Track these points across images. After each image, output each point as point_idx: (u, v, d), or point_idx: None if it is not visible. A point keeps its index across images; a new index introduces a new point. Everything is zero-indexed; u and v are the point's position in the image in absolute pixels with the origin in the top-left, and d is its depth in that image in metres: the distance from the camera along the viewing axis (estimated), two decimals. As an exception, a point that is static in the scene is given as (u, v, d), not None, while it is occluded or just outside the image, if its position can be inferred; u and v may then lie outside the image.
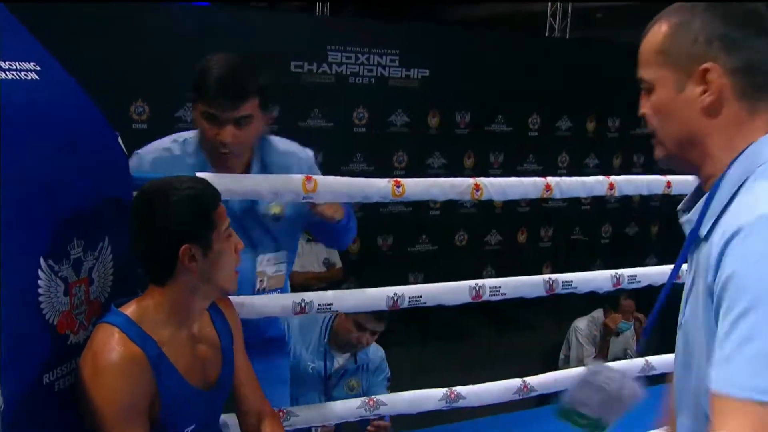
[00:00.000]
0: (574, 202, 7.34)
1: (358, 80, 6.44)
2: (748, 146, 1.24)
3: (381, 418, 2.99)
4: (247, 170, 2.26)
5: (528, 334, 6.56)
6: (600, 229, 7.80)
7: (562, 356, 5.17)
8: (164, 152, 2.25)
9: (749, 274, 1.12)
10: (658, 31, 1.31)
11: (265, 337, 2.47)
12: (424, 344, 6.08)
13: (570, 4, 10.09)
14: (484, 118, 7.04)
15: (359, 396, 2.95)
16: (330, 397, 3.09)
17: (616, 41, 8.88)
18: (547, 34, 9.92)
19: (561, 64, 7.21)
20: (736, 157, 1.24)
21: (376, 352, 3.23)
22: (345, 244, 2.63)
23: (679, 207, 1.37)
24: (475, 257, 7.19)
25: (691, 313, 1.29)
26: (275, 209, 2.32)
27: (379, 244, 6.82)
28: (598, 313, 5.09)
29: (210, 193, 1.67)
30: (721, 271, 1.15)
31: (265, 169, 2.28)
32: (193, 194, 1.62)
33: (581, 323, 5.12)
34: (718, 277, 1.16)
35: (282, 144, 2.37)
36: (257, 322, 2.30)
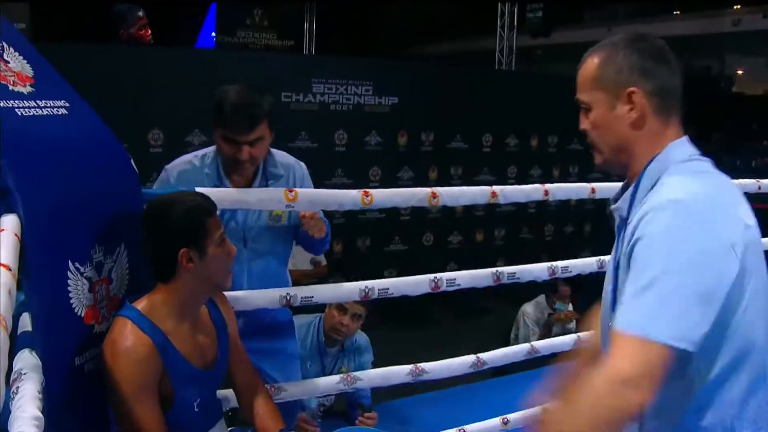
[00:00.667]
0: (522, 207, 7.39)
1: (338, 107, 6.46)
2: (664, 149, 1.34)
3: (369, 410, 3.02)
4: (254, 178, 2.31)
5: (485, 319, 6.58)
6: (544, 229, 7.88)
7: (512, 336, 5.19)
8: (187, 165, 2.29)
9: (654, 239, 1.22)
10: (592, 62, 1.40)
11: (276, 321, 2.50)
12: (396, 330, 6.08)
13: (514, 43, 10.20)
14: (445, 137, 7.07)
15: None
16: None
17: (553, 73, 9.00)
18: (496, 67, 10.01)
19: (508, 91, 7.27)
20: (654, 157, 1.34)
21: (361, 338, 3.22)
22: (321, 251, 2.66)
23: (611, 199, 1.46)
24: (440, 255, 7.21)
25: (612, 280, 1.38)
26: (278, 212, 2.36)
27: (359, 245, 6.83)
28: (542, 298, 5.13)
29: (205, 205, 1.69)
30: (634, 239, 1.25)
31: (267, 176, 2.32)
32: (190, 207, 1.65)
33: (528, 307, 5.15)
34: (630, 237, 1.26)
35: (281, 157, 2.41)
36: (268, 310, 2.34)
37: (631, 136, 1.37)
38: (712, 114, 15.78)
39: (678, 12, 18.22)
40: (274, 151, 2.38)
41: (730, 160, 15.14)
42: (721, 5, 16.46)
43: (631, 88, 1.35)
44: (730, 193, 1.32)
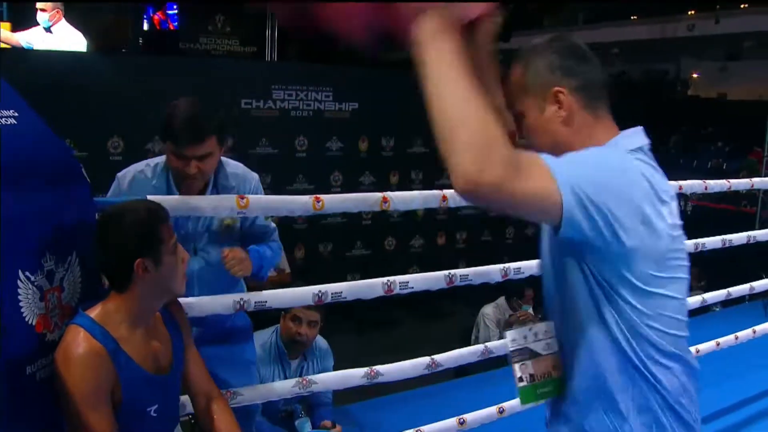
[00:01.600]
0: (483, 210, 7.46)
1: (299, 113, 6.49)
2: (614, 138, 1.42)
3: (333, 425, 3.03)
4: (204, 189, 2.31)
5: (446, 321, 6.63)
6: (505, 231, 7.97)
7: (473, 338, 5.24)
8: (139, 174, 2.30)
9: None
10: (516, 72, 1.46)
11: (232, 327, 2.53)
12: (358, 334, 6.12)
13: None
14: (405, 142, 7.14)
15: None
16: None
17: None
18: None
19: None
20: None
21: (321, 343, 3.22)
22: (262, 278, 2.47)
23: None
24: (402, 259, 7.27)
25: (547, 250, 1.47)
26: (228, 221, 2.38)
27: (321, 250, 6.86)
28: (502, 300, 5.20)
29: (158, 213, 1.70)
30: None
31: (218, 188, 2.33)
32: (143, 216, 1.66)
33: (488, 309, 5.21)
34: None
35: (232, 167, 2.41)
36: (225, 316, 2.36)
37: (564, 133, 1.42)
38: (669, 116, 16.05)
39: (635, 17, 18.56)
40: (226, 161, 2.39)
41: (687, 162, 15.46)
42: (676, 11, 16.82)
43: (556, 88, 1.41)
44: (667, 189, 1.37)
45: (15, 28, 5.89)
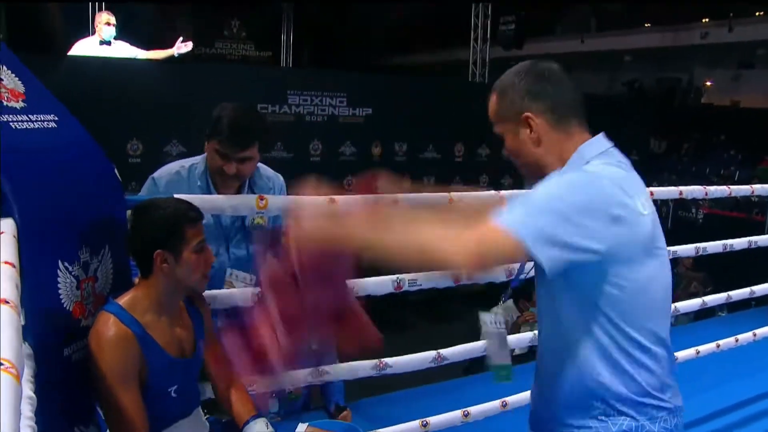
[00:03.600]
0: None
1: (313, 118, 6.63)
2: (575, 151, 1.54)
3: (344, 408, 3.15)
4: (240, 189, 2.45)
5: (456, 324, 6.72)
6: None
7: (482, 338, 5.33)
8: (175, 176, 2.42)
9: (547, 182, 1.45)
10: (492, 100, 1.62)
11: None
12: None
13: (488, 55, 10.41)
14: (418, 148, 7.27)
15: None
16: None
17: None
18: (470, 79, 10.21)
19: (480, 102, 7.44)
20: (567, 162, 1.54)
21: (266, 171, 2.70)
22: None
23: None
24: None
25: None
26: (259, 220, 2.52)
27: (333, 251, 6.99)
28: (510, 302, 5.29)
29: (187, 212, 1.83)
30: None
31: (253, 188, 2.48)
32: (170, 213, 1.80)
33: (497, 310, 5.29)
34: None
35: (264, 169, 2.56)
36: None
37: (539, 153, 1.57)
38: (681, 124, 16.07)
39: (648, 24, 18.58)
40: (259, 164, 2.53)
41: (700, 169, 15.47)
42: (690, 18, 16.83)
43: (525, 113, 1.55)
44: (633, 185, 1.50)
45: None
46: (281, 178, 2.62)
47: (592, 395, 1.49)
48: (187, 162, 2.47)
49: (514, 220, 1.35)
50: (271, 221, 2.56)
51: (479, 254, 1.31)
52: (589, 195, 1.39)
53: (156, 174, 2.44)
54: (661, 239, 1.54)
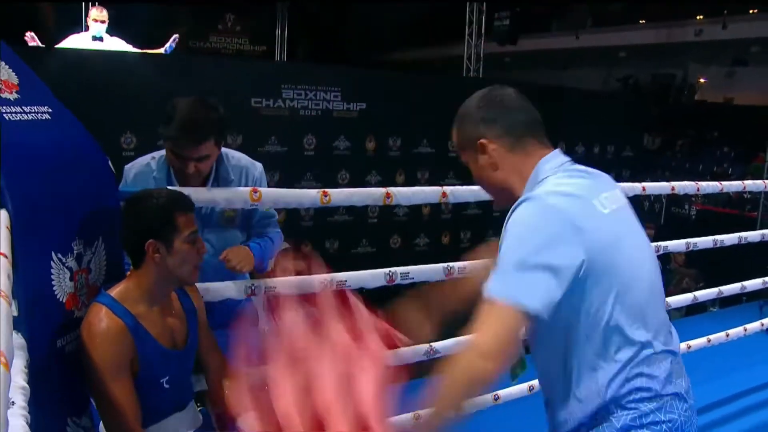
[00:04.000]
0: (488, 210, 7.59)
1: (307, 112, 6.62)
2: (533, 171, 1.58)
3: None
4: (205, 182, 2.35)
5: (449, 318, 6.74)
6: (508, 232, 8.08)
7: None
8: (144, 167, 2.36)
9: (511, 227, 1.47)
10: (453, 133, 1.68)
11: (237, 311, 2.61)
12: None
13: (482, 50, 10.43)
14: (412, 142, 7.27)
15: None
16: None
17: (521, 80, 9.23)
18: (464, 74, 10.22)
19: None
20: (528, 180, 1.57)
21: (239, 161, 2.54)
22: (264, 269, 2.55)
23: None
24: (407, 257, 7.37)
25: None
26: (229, 213, 2.46)
27: (327, 247, 6.99)
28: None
29: (180, 202, 1.84)
30: (505, 227, 1.51)
31: (219, 180, 2.38)
32: (162, 202, 1.81)
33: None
34: (504, 232, 1.50)
35: (235, 160, 2.45)
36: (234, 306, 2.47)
37: (500, 177, 1.61)
38: (675, 121, 16.11)
39: (643, 21, 18.62)
40: (228, 154, 2.44)
41: (693, 166, 15.52)
42: (684, 15, 16.88)
43: (480, 140, 1.60)
44: (589, 189, 1.53)
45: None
46: (259, 166, 2.51)
47: (600, 407, 1.50)
48: (158, 153, 2.40)
49: (508, 292, 1.40)
50: (240, 214, 2.50)
51: (500, 350, 1.39)
52: (548, 222, 1.44)
53: (128, 165, 2.38)
54: (636, 233, 1.59)
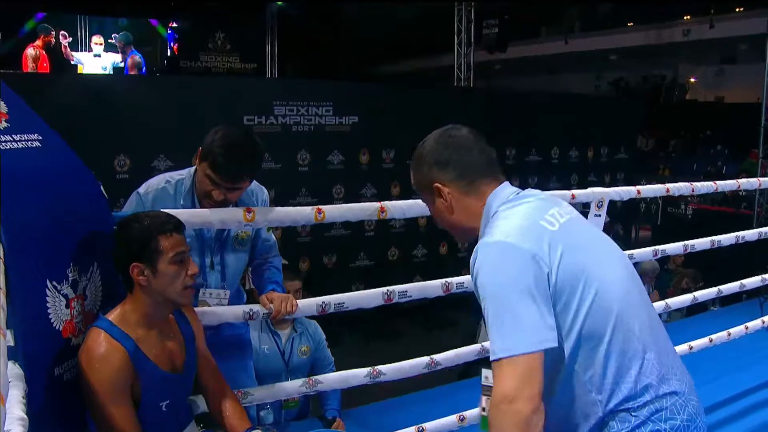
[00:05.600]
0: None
1: (300, 128, 6.64)
2: (483, 208, 1.60)
3: (333, 421, 3.17)
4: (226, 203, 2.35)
5: (449, 330, 6.74)
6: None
7: (476, 338, 5.34)
8: (161, 192, 2.35)
9: (480, 281, 1.47)
10: (411, 173, 1.70)
11: (237, 337, 2.66)
12: (363, 345, 6.23)
13: (472, 59, 10.45)
14: (405, 154, 7.27)
15: (312, 357, 3.31)
16: (290, 366, 3.25)
17: (511, 87, 9.25)
18: (455, 83, 10.25)
19: (466, 106, 7.46)
20: (482, 216, 1.60)
21: (308, 320, 3.33)
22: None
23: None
24: (405, 269, 7.39)
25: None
26: (243, 235, 2.49)
27: (325, 261, 6.99)
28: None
29: (162, 225, 1.82)
30: (473, 279, 1.51)
31: (237, 203, 2.39)
32: (144, 226, 1.80)
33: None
34: (474, 284, 1.51)
35: (251, 185, 2.46)
36: (233, 329, 2.53)
37: (456, 219, 1.64)
38: (668, 121, 16.16)
39: (631, 24, 18.70)
40: None
41: (687, 165, 15.56)
42: (672, 16, 16.96)
43: (435, 184, 1.62)
44: (534, 213, 1.54)
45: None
46: (265, 191, 2.56)
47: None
48: (173, 177, 2.41)
49: (512, 345, 1.39)
50: (253, 233, 2.54)
51: (531, 394, 1.37)
52: (511, 260, 1.45)
53: (142, 190, 2.37)
54: (595, 237, 1.62)
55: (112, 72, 8.24)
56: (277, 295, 2.40)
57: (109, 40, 8.97)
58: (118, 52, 8.86)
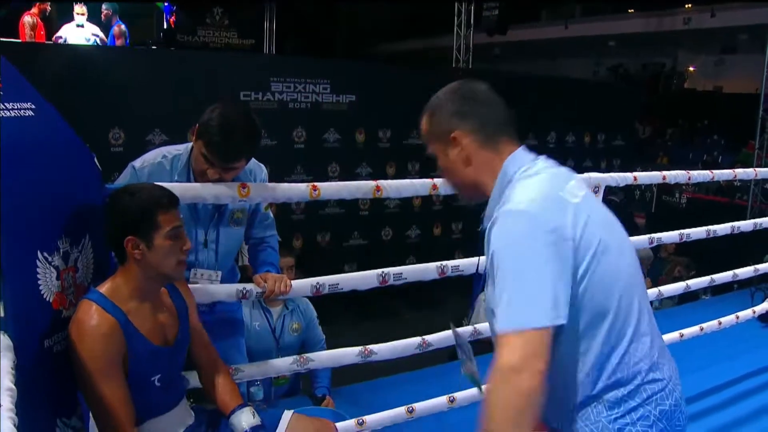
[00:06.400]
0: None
1: (297, 105, 6.60)
2: (501, 168, 1.55)
3: (323, 399, 3.20)
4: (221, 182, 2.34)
5: (441, 310, 6.73)
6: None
7: (465, 320, 5.35)
8: (158, 166, 2.33)
9: (500, 247, 1.43)
10: (424, 121, 1.64)
11: (233, 318, 2.68)
12: (356, 324, 6.24)
13: (471, 41, 10.39)
14: (402, 134, 7.26)
15: (302, 335, 3.33)
16: (281, 343, 3.27)
17: (510, 70, 9.19)
18: (454, 65, 10.19)
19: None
20: (497, 178, 1.55)
21: (300, 297, 3.35)
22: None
23: (481, 217, 1.66)
24: (399, 249, 7.39)
25: (491, 285, 1.53)
26: (238, 214, 2.48)
27: (319, 240, 6.98)
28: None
29: (160, 200, 1.80)
30: (489, 247, 1.46)
31: (235, 180, 2.36)
32: (141, 199, 1.78)
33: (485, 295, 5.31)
34: (489, 252, 1.46)
35: (248, 163, 2.44)
36: (226, 307, 2.52)
37: (470, 171, 1.59)
38: (665, 109, 16.14)
39: (632, 10, 18.62)
40: None
41: (683, 154, 15.56)
42: (673, 4, 16.88)
43: (454, 133, 1.57)
44: (554, 183, 1.52)
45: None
46: (264, 170, 2.54)
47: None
48: (169, 152, 2.39)
49: (525, 318, 1.37)
50: (250, 210, 2.53)
51: (539, 368, 1.35)
52: (531, 232, 1.41)
53: (137, 163, 2.35)
54: (607, 216, 1.58)
55: (97, 44, 8.17)
56: (272, 275, 2.38)
57: (104, 10, 8.85)
58: (102, 22, 8.55)
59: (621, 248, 1.54)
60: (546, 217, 1.42)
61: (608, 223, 1.56)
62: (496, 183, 1.56)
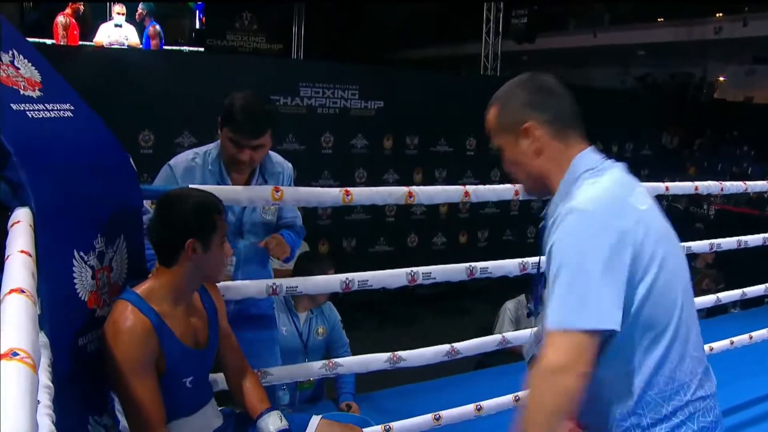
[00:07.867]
0: (505, 209, 7.56)
1: (325, 111, 6.63)
2: (570, 165, 1.53)
3: (349, 407, 3.20)
4: (252, 176, 2.51)
5: (466, 318, 6.73)
6: (526, 231, 8.04)
7: (493, 331, 5.34)
8: (191, 163, 2.46)
9: (561, 243, 1.40)
10: (492, 111, 1.61)
11: (264, 313, 2.71)
12: (380, 330, 6.23)
13: (500, 48, 10.38)
14: (429, 141, 7.26)
15: (327, 338, 3.37)
16: (308, 347, 3.29)
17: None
18: (482, 72, 10.17)
19: (492, 96, 7.42)
20: (565, 173, 1.53)
21: (278, 158, 3.40)
22: (290, 259, 2.88)
23: (543, 213, 1.64)
24: (424, 256, 7.36)
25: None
26: (268, 216, 2.58)
27: (344, 245, 7.00)
28: (522, 297, 5.28)
29: (217, 204, 1.86)
30: (549, 244, 1.43)
31: (264, 174, 2.53)
32: (204, 202, 1.82)
33: (510, 304, 5.30)
34: (548, 248, 1.44)
35: (275, 157, 2.61)
36: (256, 302, 2.56)
37: (539, 164, 1.56)
38: (694, 119, 15.96)
39: (661, 19, 18.44)
40: (270, 151, 2.56)
41: (712, 165, 15.37)
42: (703, 13, 16.70)
43: (526, 124, 1.54)
44: (623, 188, 1.50)
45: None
46: (290, 166, 2.66)
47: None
48: (201, 149, 2.51)
49: (578, 318, 1.36)
50: (279, 212, 2.62)
51: (584, 371, 1.35)
52: (599, 232, 1.39)
53: (172, 161, 2.47)
54: (669, 229, 1.55)
55: (127, 45, 8.32)
56: (280, 238, 2.50)
57: (139, 10, 8.99)
58: (136, 22, 8.73)
59: (679, 263, 1.52)
60: (611, 221, 1.41)
61: (669, 236, 1.54)
62: (564, 179, 1.53)
